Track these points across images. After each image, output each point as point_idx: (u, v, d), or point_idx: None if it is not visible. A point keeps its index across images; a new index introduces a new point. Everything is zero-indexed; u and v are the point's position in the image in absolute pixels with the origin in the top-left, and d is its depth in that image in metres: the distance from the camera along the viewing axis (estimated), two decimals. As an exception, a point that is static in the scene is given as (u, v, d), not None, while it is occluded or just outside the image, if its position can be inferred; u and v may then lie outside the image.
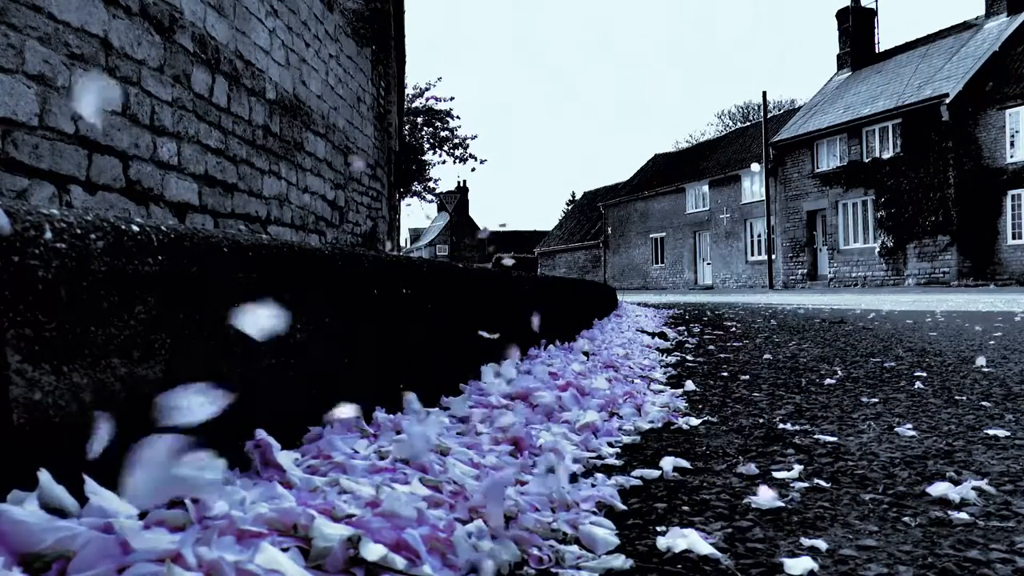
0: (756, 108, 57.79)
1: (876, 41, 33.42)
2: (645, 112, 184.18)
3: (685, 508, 1.26)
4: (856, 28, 33.06)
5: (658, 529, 1.14)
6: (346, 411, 1.33)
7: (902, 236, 26.36)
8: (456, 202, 32.22)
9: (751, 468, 1.50)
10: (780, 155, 31.99)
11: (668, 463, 1.50)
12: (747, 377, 3.02)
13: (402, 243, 23.04)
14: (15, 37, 2.62)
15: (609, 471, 1.49)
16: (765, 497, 1.27)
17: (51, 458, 0.80)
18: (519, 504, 1.10)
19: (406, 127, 21.32)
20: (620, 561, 0.98)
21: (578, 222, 52.18)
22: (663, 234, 40.74)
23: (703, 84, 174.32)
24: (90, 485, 0.79)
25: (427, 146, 23.36)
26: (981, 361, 3.28)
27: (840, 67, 33.67)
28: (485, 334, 2.26)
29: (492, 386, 2.04)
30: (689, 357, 3.82)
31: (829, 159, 29.93)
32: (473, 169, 32.07)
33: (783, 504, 1.27)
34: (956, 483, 1.34)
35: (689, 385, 2.74)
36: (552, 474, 1.24)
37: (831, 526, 1.16)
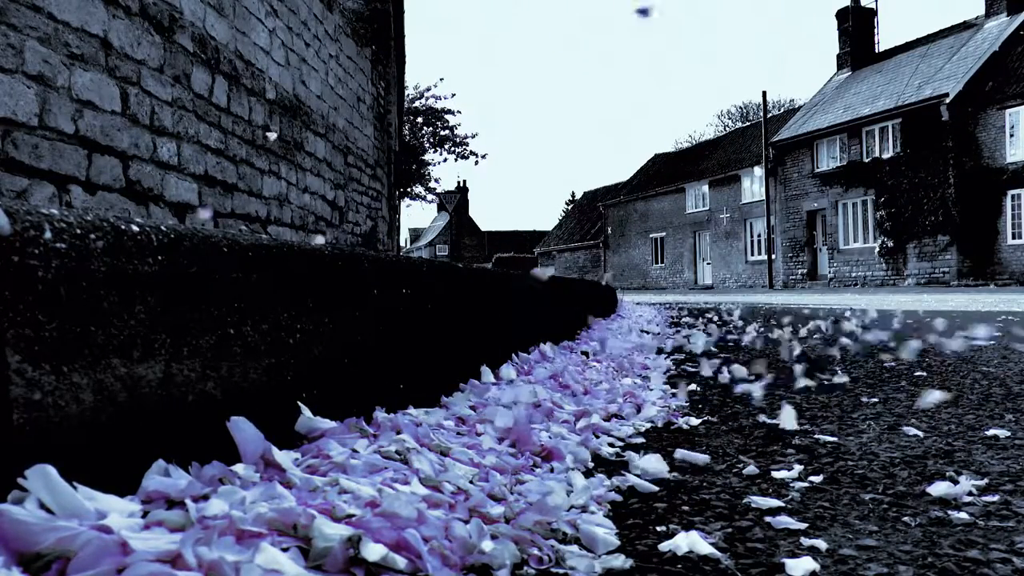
0: (756, 108, 57.82)
1: (876, 41, 33.42)
2: (645, 112, 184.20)
3: (685, 508, 1.26)
4: (856, 28, 33.06)
5: (658, 529, 1.14)
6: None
7: (902, 236, 26.37)
8: (456, 202, 32.15)
9: (751, 468, 1.50)
10: (780, 155, 31.99)
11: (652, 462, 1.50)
12: (748, 377, 3.02)
13: (402, 243, 23.03)
14: (15, 37, 2.62)
15: (610, 471, 1.49)
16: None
17: (51, 458, 0.80)
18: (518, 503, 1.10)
19: (406, 127, 21.30)
20: (620, 561, 0.98)
21: (578, 222, 52.18)
22: (663, 234, 40.74)
23: (703, 84, 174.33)
24: (85, 490, 0.79)
25: (427, 145, 23.36)
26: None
27: (840, 67, 33.67)
28: (484, 334, 2.26)
29: (492, 387, 2.04)
30: (689, 356, 3.82)
31: (829, 159, 29.94)
32: (476, 163, 31.99)
33: (783, 504, 1.27)
34: (956, 483, 1.34)
35: (689, 384, 2.74)
36: (553, 473, 1.24)
37: (831, 526, 1.16)
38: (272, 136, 4.91)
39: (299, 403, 1.28)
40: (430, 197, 25.26)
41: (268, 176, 5.06)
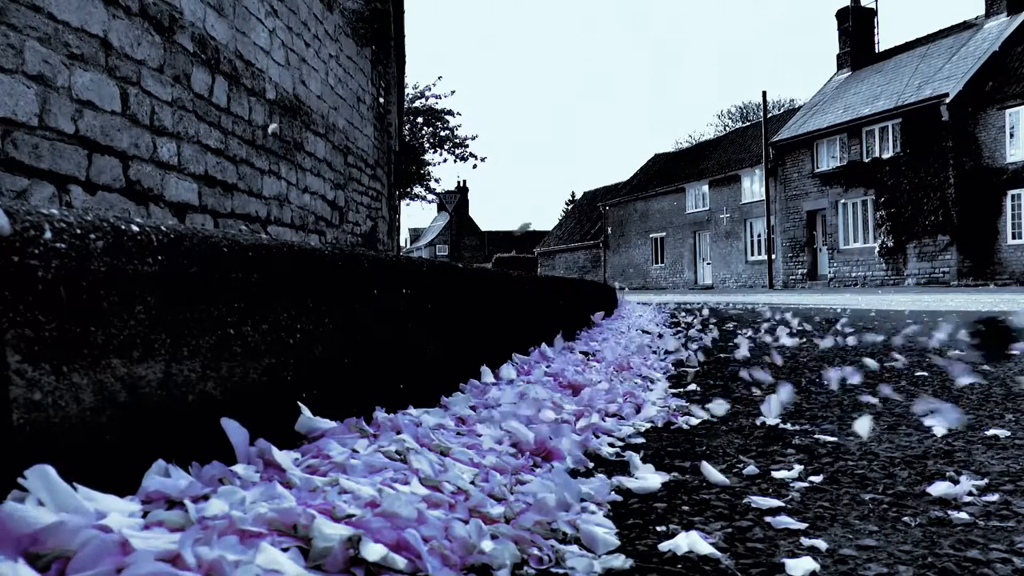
0: (756, 108, 57.82)
1: (876, 41, 33.44)
2: (645, 112, 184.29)
3: (685, 508, 1.26)
4: (856, 28, 33.08)
5: (658, 529, 1.14)
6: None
7: (902, 236, 26.37)
8: (456, 202, 32.21)
9: (751, 468, 1.50)
10: (780, 155, 32.00)
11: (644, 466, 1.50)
12: (747, 377, 3.02)
13: (402, 243, 23.03)
14: (15, 37, 2.62)
15: (609, 471, 1.49)
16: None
17: (51, 458, 0.80)
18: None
19: (406, 127, 21.29)
20: (620, 561, 0.98)
21: (578, 222, 52.19)
22: (663, 234, 40.75)
23: (703, 84, 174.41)
24: (84, 490, 0.79)
25: (427, 146, 23.35)
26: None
27: (840, 67, 33.68)
28: (484, 334, 2.26)
29: (492, 387, 2.04)
30: (689, 356, 3.82)
31: (829, 159, 29.94)
32: (475, 166, 32.00)
33: (783, 504, 1.27)
34: (956, 483, 1.34)
35: (689, 385, 2.74)
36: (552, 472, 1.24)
37: (831, 526, 1.16)
38: (272, 127, 4.92)
39: (299, 403, 1.28)
40: (430, 197, 25.26)
41: (268, 176, 5.06)
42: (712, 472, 1.42)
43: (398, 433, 1.35)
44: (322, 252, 1.45)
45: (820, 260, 30.64)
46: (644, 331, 5.56)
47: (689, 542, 1.04)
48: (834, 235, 29.35)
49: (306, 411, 1.27)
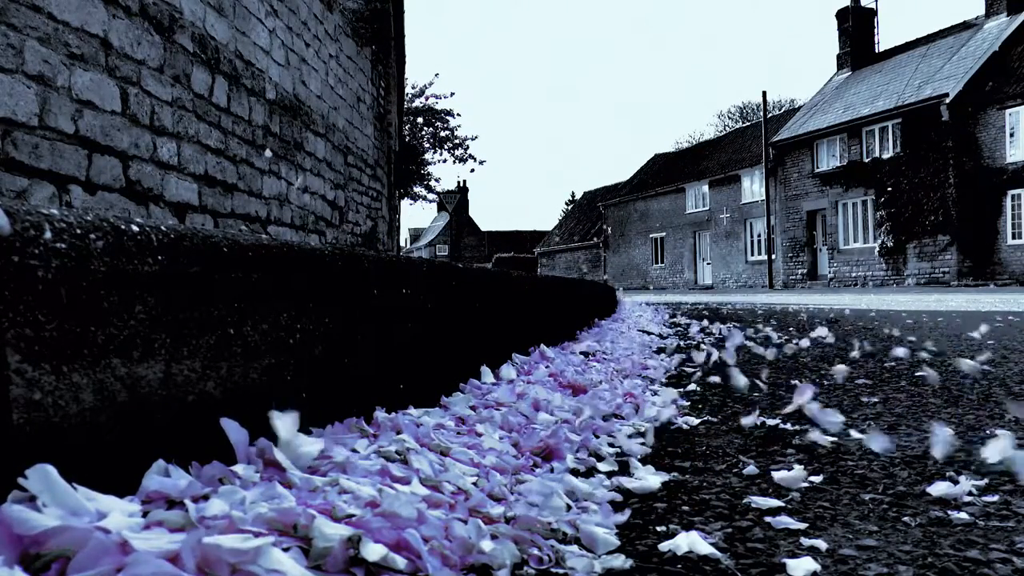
0: (756, 108, 57.85)
1: (876, 41, 33.45)
2: (645, 112, 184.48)
3: (685, 508, 1.26)
4: (856, 28, 33.09)
5: (658, 529, 1.14)
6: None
7: (902, 236, 26.38)
8: (456, 202, 32.22)
9: (751, 468, 1.50)
10: (780, 155, 32.00)
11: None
12: (747, 377, 3.02)
13: (402, 243, 23.03)
14: (15, 37, 2.62)
15: (609, 471, 1.49)
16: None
17: (51, 458, 0.80)
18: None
19: (406, 127, 21.29)
20: (620, 561, 0.98)
21: (578, 222, 52.19)
22: (663, 234, 40.75)
23: (703, 84, 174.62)
24: (84, 490, 0.79)
25: (427, 146, 23.35)
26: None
27: (840, 67, 33.68)
28: (484, 334, 2.26)
29: (492, 387, 2.04)
30: (689, 357, 3.82)
31: (829, 159, 29.95)
32: (472, 170, 32.05)
33: (783, 504, 1.27)
34: (956, 483, 1.34)
35: (689, 385, 2.74)
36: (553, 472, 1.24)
37: (831, 526, 1.16)
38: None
39: (297, 405, 1.28)
40: (430, 197, 25.24)
41: (268, 176, 5.06)
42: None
43: (398, 433, 1.35)
44: (322, 252, 1.45)
45: (820, 260, 30.64)
46: (644, 331, 5.56)
47: (689, 542, 1.04)
48: (834, 235, 29.36)
49: (283, 430, 1.14)
